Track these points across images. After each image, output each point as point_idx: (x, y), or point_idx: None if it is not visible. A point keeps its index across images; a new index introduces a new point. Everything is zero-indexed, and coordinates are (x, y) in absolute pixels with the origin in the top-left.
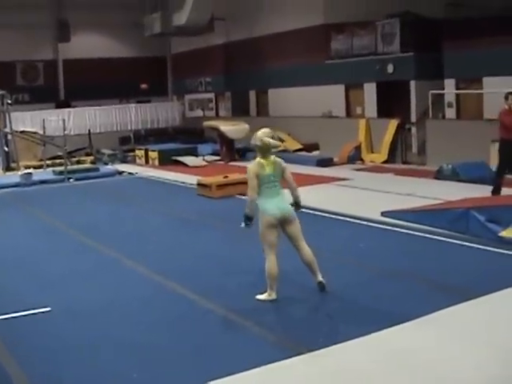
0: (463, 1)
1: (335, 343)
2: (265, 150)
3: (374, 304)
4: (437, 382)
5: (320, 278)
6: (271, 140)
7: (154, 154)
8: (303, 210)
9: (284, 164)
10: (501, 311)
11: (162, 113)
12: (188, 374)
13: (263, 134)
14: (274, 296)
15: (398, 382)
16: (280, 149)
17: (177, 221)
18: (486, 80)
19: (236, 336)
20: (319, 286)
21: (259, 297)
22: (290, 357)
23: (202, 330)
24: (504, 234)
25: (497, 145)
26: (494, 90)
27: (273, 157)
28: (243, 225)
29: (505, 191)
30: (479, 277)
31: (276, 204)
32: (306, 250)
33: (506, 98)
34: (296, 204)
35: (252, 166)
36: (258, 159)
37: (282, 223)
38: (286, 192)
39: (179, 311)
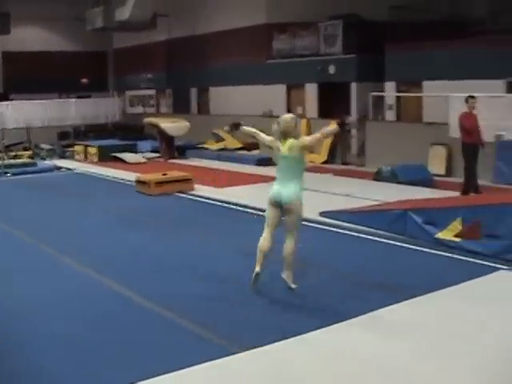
0: (406, 4)
1: (272, 342)
2: (284, 133)
3: (312, 303)
4: (376, 378)
5: (283, 276)
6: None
7: (93, 150)
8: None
9: (301, 139)
10: (436, 311)
11: (102, 108)
12: (120, 372)
13: (285, 117)
14: (257, 269)
15: (335, 380)
16: (222, 147)
17: (114, 217)
18: (425, 84)
19: (171, 334)
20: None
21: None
22: (226, 355)
23: (136, 326)
24: (440, 235)
25: (436, 148)
26: (434, 93)
27: (291, 139)
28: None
29: (446, 193)
30: (416, 277)
31: (277, 189)
32: (287, 245)
33: (467, 101)
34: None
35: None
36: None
37: (283, 210)
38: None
39: (114, 308)
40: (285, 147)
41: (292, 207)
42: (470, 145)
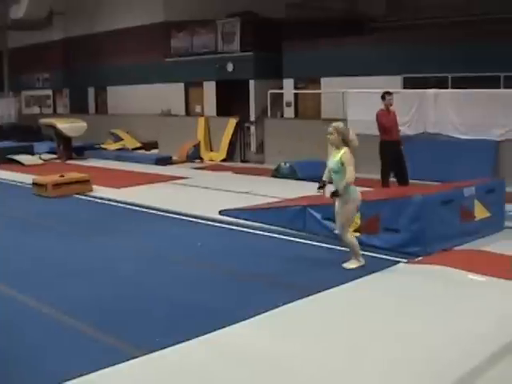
0: (303, 2)
1: (175, 343)
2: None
3: (211, 302)
4: (278, 377)
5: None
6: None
7: None
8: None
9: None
10: (336, 307)
11: None
12: (13, 380)
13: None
14: (363, 262)
15: (239, 379)
16: (120, 147)
17: (11, 221)
18: (323, 80)
19: (70, 339)
20: None
21: (347, 265)
22: (127, 360)
23: (32, 332)
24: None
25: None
26: (331, 90)
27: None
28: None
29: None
30: (316, 273)
31: None
32: None
33: (383, 97)
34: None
35: (350, 153)
36: (347, 148)
37: None
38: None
39: (9, 313)
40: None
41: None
42: (389, 143)
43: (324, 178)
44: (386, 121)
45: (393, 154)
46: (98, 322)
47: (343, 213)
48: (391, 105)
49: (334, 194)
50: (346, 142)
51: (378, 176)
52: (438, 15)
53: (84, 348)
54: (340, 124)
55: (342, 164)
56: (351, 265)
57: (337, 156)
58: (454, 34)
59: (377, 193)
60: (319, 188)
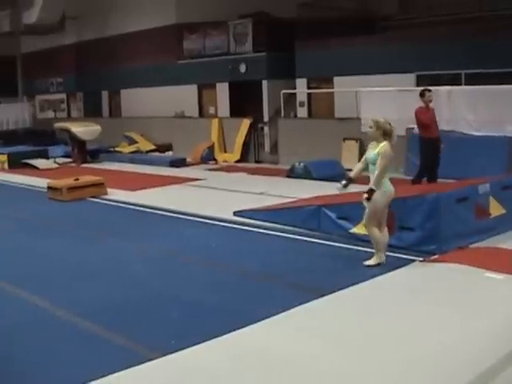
0: (314, 2)
1: (188, 346)
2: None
3: (228, 304)
4: (293, 378)
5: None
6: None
7: (2, 158)
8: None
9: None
10: (352, 307)
11: (12, 114)
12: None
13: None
14: (384, 259)
15: (254, 381)
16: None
17: (26, 225)
18: (336, 79)
19: (84, 342)
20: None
21: (368, 262)
22: (143, 362)
23: (50, 337)
24: (355, 230)
25: (348, 143)
26: (345, 89)
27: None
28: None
29: (359, 188)
30: (331, 273)
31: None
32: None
33: (423, 95)
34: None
35: (389, 148)
36: (387, 142)
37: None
38: None
39: (25, 318)
40: None
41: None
42: (429, 140)
43: (352, 175)
44: (424, 118)
45: (433, 150)
46: (111, 324)
47: (371, 204)
48: (430, 101)
49: (369, 194)
50: (386, 136)
51: (392, 174)
52: (450, 12)
53: (98, 350)
54: (380, 118)
55: (379, 156)
56: (370, 261)
57: (376, 149)
58: (466, 30)
59: None
60: (345, 186)
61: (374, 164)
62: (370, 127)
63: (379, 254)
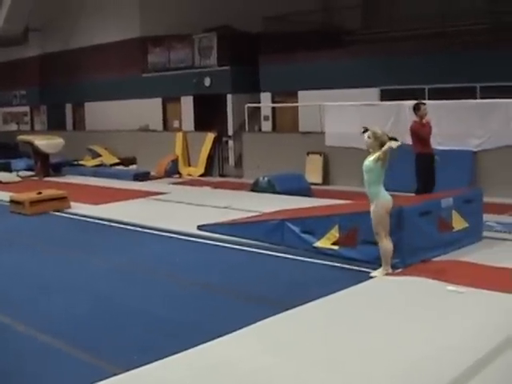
0: (279, 15)
1: (151, 361)
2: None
3: (190, 318)
4: None
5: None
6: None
7: None
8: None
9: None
10: (316, 320)
11: None
12: None
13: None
14: (390, 270)
15: None
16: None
17: None
18: (301, 94)
19: (46, 357)
20: None
21: (375, 273)
22: (106, 377)
23: (6, 350)
24: (318, 244)
25: (312, 157)
26: (309, 103)
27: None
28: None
29: (323, 202)
30: (295, 287)
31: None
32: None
33: (417, 108)
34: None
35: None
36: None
37: None
38: None
39: None
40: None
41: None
42: (426, 155)
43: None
44: (423, 131)
45: (429, 165)
46: (74, 339)
47: (373, 217)
48: (426, 114)
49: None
50: (383, 146)
51: (356, 188)
52: (414, 27)
53: (61, 365)
54: (377, 129)
55: (376, 161)
56: (377, 273)
57: (371, 157)
58: (429, 45)
59: (355, 205)
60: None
61: (368, 173)
62: (369, 137)
63: (386, 267)
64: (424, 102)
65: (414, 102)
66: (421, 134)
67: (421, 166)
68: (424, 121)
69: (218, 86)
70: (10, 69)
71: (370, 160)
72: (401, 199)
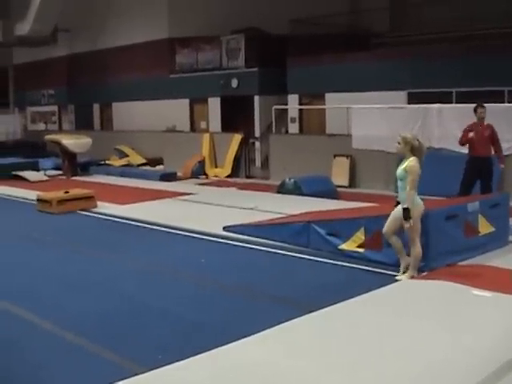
0: (306, 18)
1: (175, 360)
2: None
3: (216, 319)
4: None
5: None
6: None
7: None
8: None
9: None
10: (340, 323)
11: (3, 125)
12: None
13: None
14: (416, 274)
15: None
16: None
17: (15, 237)
18: (328, 96)
19: (70, 355)
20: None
21: (400, 277)
22: (129, 376)
23: (34, 348)
24: (344, 246)
25: (339, 159)
26: (336, 105)
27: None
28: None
29: (349, 205)
30: (320, 290)
31: None
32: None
33: (475, 111)
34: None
35: (416, 164)
36: (415, 158)
37: None
38: None
39: (15, 332)
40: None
41: None
42: (471, 158)
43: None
44: (470, 135)
45: (472, 170)
46: (99, 338)
47: (392, 220)
48: (483, 118)
49: (406, 214)
50: (414, 151)
51: (382, 191)
52: (442, 30)
53: (85, 364)
54: (408, 134)
55: (407, 172)
56: (402, 276)
57: (404, 164)
58: (457, 48)
59: (381, 208)
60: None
61: (401, 180)
62: (398, 143)
63: (414, 271)
64: (483, 104)
65: (440, 105)
66: (464, 137)
67: (465, 168)
68: (483, 123)
69: (245, 87)
70: (39, 68)
71: (400, 169)
72: (428, 203)
